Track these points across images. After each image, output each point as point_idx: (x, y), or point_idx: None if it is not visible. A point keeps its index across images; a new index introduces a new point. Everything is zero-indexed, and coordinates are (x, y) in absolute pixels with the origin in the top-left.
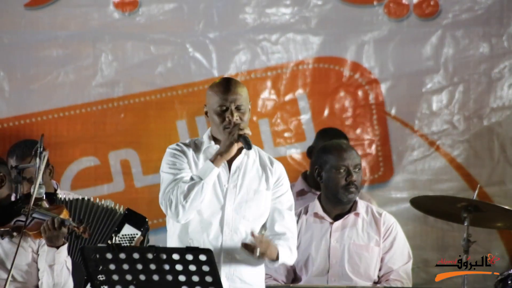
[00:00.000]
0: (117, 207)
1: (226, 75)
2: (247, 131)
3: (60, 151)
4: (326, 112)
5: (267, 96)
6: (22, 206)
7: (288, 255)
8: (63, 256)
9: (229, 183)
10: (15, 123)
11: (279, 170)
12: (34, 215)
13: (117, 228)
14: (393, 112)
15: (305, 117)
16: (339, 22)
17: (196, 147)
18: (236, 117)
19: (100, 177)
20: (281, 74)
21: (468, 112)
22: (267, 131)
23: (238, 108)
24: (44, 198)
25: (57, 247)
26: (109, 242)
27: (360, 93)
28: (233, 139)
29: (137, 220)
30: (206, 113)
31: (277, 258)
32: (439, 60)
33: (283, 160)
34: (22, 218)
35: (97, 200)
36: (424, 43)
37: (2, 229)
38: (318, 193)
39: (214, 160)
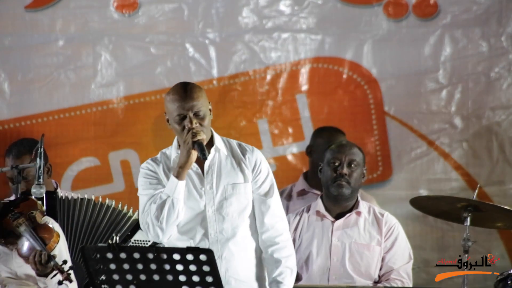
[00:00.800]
0: (122, 208)
1: (225, 75)
2: (200, 137)
3: (60, 152)
4: (325, 112)
5: (266, 96)
6: (15, 216)
7: (289, 278)
8: (54, 280)
9: (205, 185)
10: (16, 125)
11: (253, 157)
12: (26, 235)
13: (130, 233)
14: (392, 111)
15: (304, 117)
16: (338, 22)
17: (167, 158)
18: (195, 123)
19: (100, 177)
20: (280, 74)
21: (466, 112)
22: (266, 131)
23: (196, 114)
24: (44, 198)
25: (46, 275)
26: (109, 242)
27: (359, 93)
28: (188, 148)
29: None
30: (167, 120)
31: None
32: (438, 60)
33: (282, 159)
34: (15, 232)
35: (107, 201)
36: (423, 43)
37: None
38: (319, 193)
39: (177, 174)
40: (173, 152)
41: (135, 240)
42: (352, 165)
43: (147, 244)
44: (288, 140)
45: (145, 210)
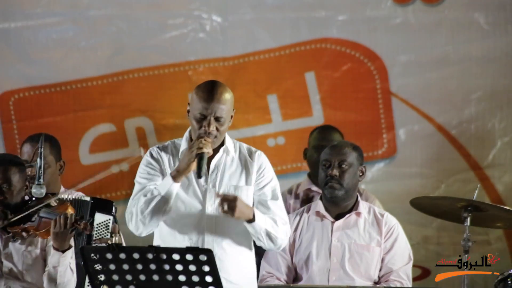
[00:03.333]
0: (84, 198)
1: (236, 54)
2: (206, 150)
3: (79, 118)
4: (332, 90)
5: (276, 73)
6: (32, 206)
7: (269, 223)
8: (67, 259)
9: (208, 183)
10: (36, 92)
11: (259, 160)
12: (41, 214)
13: (90, 217)
14: (397, 92)
15: (312, 93)
16: (346, 5)
17: (176, 149)
18: (212, 127)
19: (116, 142)
20: (289, 53)
21: (470, 94)
22: (276, 106)
23: (217, 119)
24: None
25: (63, 251)
26: (109, 242)
27: (365, 73)
28: (191, 156)
29: (105, 206)
30: (188, 111)
31: (254, 219)
32: (443, 43)
33: (291, 133)
34: (32, 219)
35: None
36: (429, 28)
37: (13, 230)
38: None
39: (174, 175)
40: (183, 144)
41: (98, 224)
42: (343, 165)
43: (109, 222)
44: (297, 116)
45: (134, 199)
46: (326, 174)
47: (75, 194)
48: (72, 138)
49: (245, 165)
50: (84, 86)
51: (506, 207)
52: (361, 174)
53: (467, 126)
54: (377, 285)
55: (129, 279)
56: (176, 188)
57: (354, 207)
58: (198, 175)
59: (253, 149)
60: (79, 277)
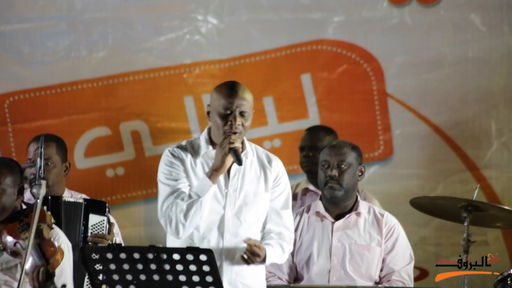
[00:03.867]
0: (78, 200)
1: (232, 56)
2: (237, 144)
3: (74, 121)
4: (328, 92)
5: (273, 75)
6: (24, 227)
7: (278, 254)
8: None
9: (228, 188)
10: (31, 95)
11: (277, 168)
12: (31, 250)
13: (85, 221)
14: (393, 93)
15: (308, 95)
16: (342, 6)
17: (194, 150)
18: (238, 122)
19: (112, 146)
20: (285, 55)
21: (466, 95)
22: (272, 108)
23: (242, 114)
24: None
25: None
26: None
27: (361, 74)
28: (224, 152)
29: (98, 207)
30: (208, 113)
31: (264, 260)
32: (439, 44)
33: (287, 136)
34: (22, 242)
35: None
36: (425, 29)
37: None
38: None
39: (210, 176)
40: (202, 145)
41: (92, 225)
42: (342, 166)
43: (103, 222)
44: (293, 118)
45: (169, 203)
46: (325, 175)
47: (78, 196)
48: (67, 141)
49: (264, 170)
50: (79, 89)
51: (506, 207)
52: (360, 174)
53: (463, 127)
54: (378, 285)
55: (130, 279)
56: (213, 189)
57: (354, 207)
58: (239, 163)
59: (271, 154)
60: (79, 276)
